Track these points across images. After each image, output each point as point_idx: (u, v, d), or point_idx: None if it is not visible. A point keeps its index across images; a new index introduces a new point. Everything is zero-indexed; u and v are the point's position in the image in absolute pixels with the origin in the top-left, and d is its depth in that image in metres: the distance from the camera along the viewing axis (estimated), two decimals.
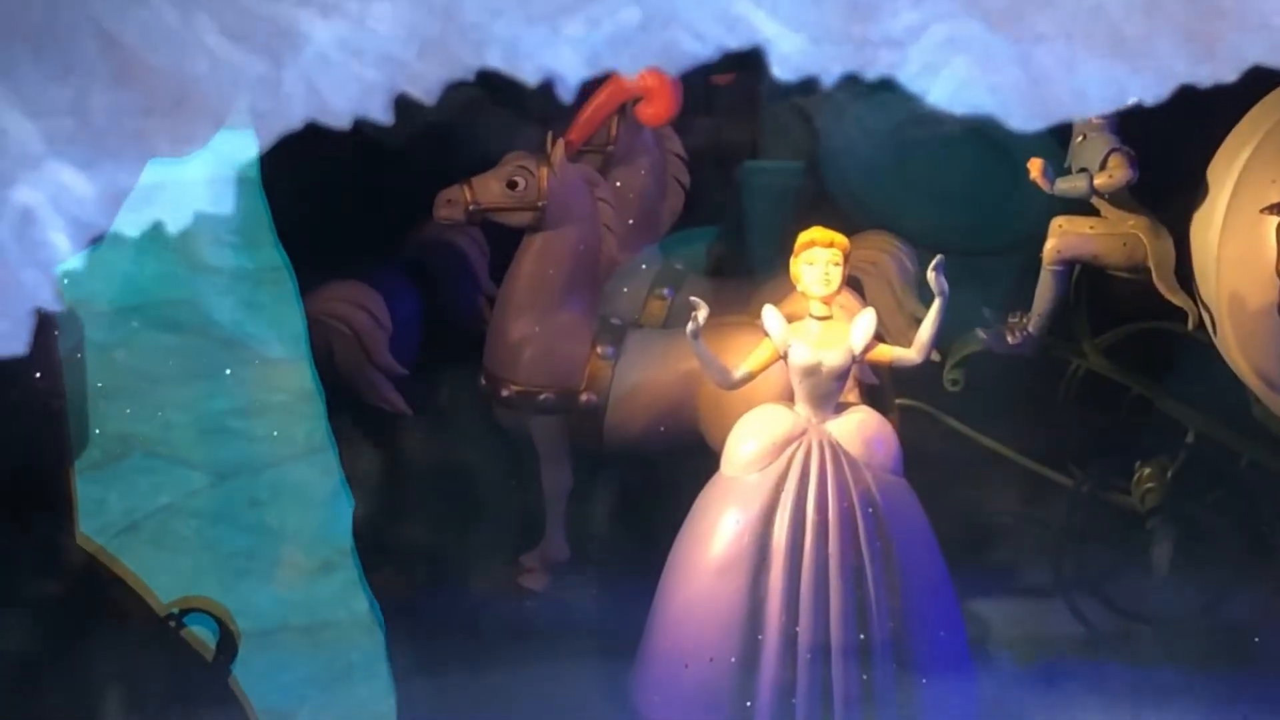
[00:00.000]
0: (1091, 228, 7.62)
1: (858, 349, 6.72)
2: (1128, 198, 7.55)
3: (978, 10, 3.18)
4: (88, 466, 6.13)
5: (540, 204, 7.63)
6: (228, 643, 5.93)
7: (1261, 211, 7.02)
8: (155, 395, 6.14)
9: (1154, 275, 7.55)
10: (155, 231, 5.51)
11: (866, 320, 6.77)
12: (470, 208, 7.63)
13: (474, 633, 7.64)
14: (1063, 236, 7.62)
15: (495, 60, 3.30)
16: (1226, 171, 7.32)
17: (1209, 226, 7.36)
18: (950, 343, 7.89)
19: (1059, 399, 8.17)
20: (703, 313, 6.64)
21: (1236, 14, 3.20)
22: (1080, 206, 7.64)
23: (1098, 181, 7.45)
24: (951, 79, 3.26)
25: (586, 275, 7.80)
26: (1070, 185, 7.49)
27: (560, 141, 7.61)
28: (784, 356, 6.73)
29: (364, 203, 8.04)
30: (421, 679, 7.17)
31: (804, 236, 6.76)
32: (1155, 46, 3.17)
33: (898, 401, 7.89)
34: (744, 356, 6.80)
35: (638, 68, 3.16)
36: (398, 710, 6.36)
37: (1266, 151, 7.20)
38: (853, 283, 7.66)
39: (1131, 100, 3.32)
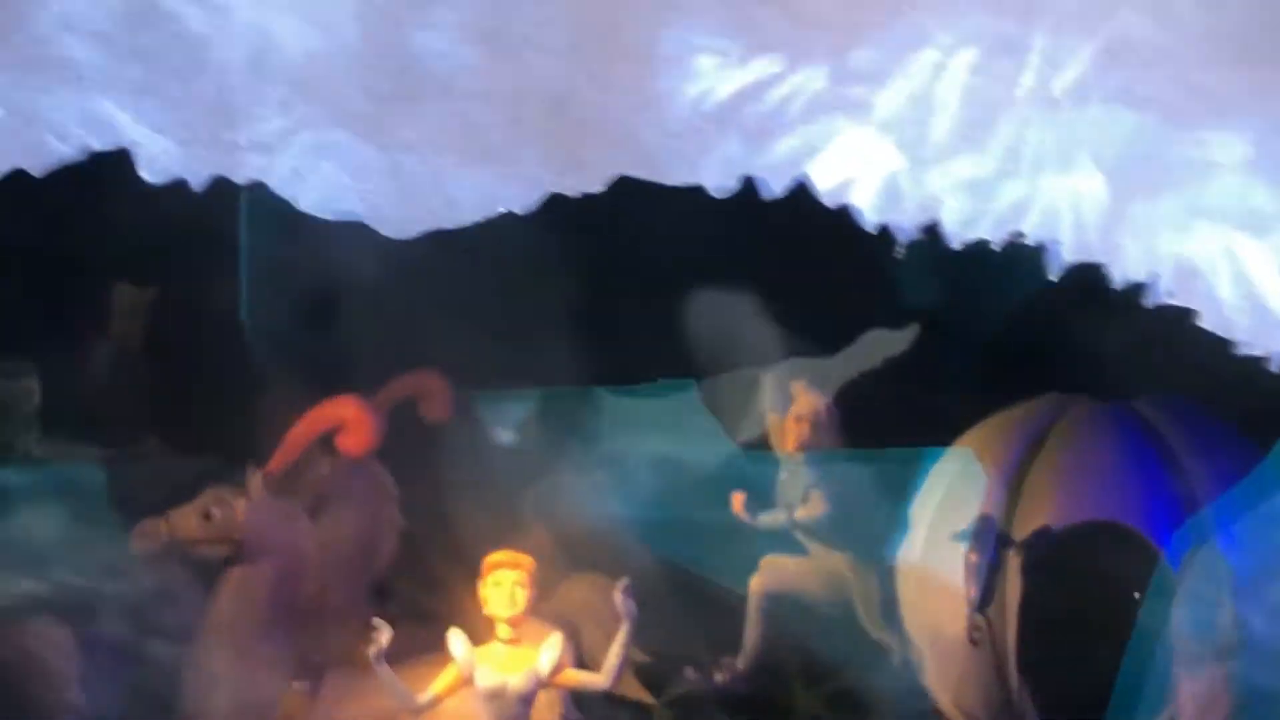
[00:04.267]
0: (798, 565, 7.68)
1: (544, 672, 6.63)
2: (833, 536, 7.63)
3: (344, 118, 3.26)
4: None
5: (237, 536, 7.53)
6: None
7: (949, 539, 7.10)
8: None
9: (859, 611, 7.59)
10: None
11: (553, 645, 6.70)
12: (166, 539, 7.52)
13: None
14: (768, 572, 7.68)
15: None
16: (926, 505, 7.45)
17: (911, 561, 7.45)
18: (664, 681, 7.89)
19: None
20: (385, 635, 6.55)
21: (599, 127, 3.32)
22: (789, 545, 7.70)
23: (798, 515, 7.56)
24: (320, 185, 3.32)
25: (285, 609, 7.65)
26: (772, 519, 7.60)
27: (259, 473, 7.56)
28: (470, 680, 6.62)
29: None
30: None
31: (490, 558, 6.74)
32: (521, 156, 3.25)
33: None
34: None
35: (4, 167, 3.21)
36: None
37: (961, 485, 7.35)
38: (568, 626, 7.61)
39: (501, 209, 3.40)
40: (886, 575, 7.56)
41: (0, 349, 8.33)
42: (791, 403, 7.65)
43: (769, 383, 7.72)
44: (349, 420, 7.86)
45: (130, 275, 8.31)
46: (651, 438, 8.38)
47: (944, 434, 7.67)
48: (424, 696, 6.67)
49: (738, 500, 7.54)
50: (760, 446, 7.96)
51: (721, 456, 8.33)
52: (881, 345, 7.73)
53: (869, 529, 7.66)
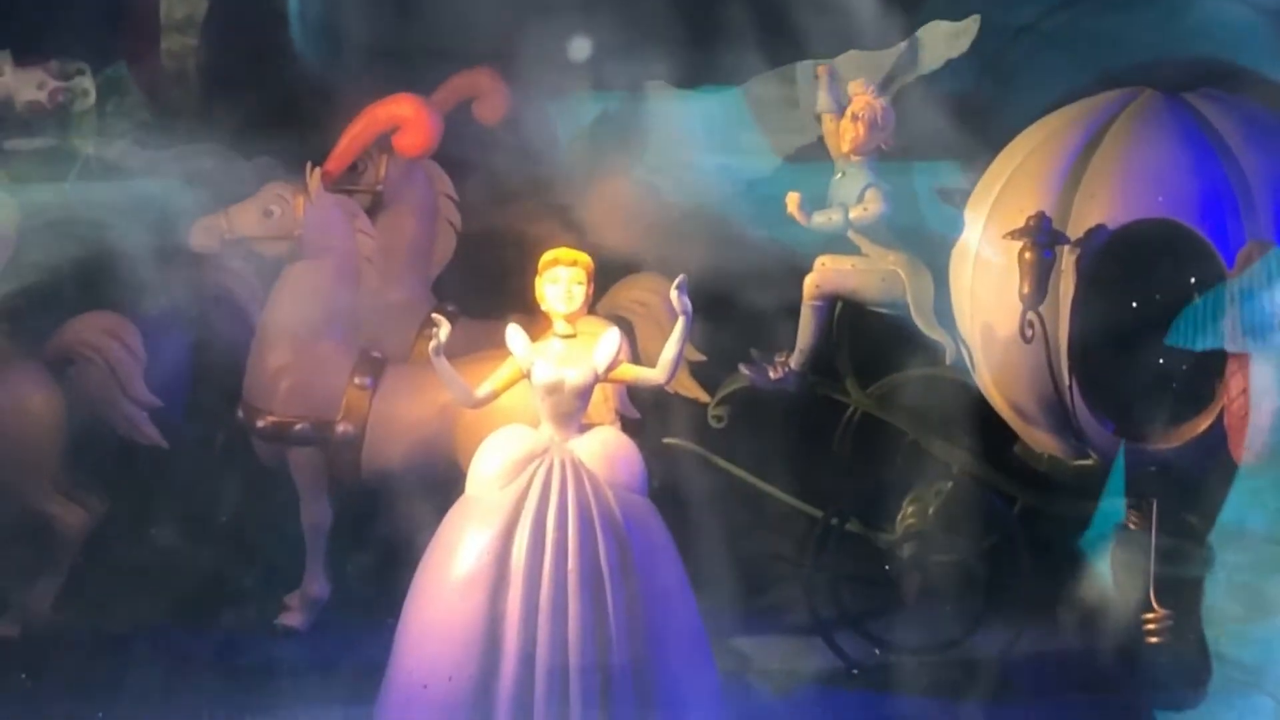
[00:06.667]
0: (852, 265, 7.66)
1: (601, 367, 6.70)
2: (888, 235, 7.59)
3: None
4: None
5: (296, 233, 7.60)
6: None
7: (1004, 237, 7.09)
8: None
9: (912, 311, 7.59)
10: None
11: (611, 339, 6.75)
12: (227, 236, 7.59)
13: (230, 673, 7.51)
14: (822, 272, 7.67)
15: None
16: (981, 206, 7.43)
17: (965, 260, 7.45)
18: (717, 380, 7.98)
19: (834, 441, 8.19)
20: (444, 329, 6.61)
21: None
22: (844, 245, 7.68)
23: (853, 214, 7.50)
24: None
25: (345, 306, 7.74)
26: (826, 219, 7.53)
27: (317, 170, 7.59)
28: (528, 375, 6.70)
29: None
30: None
31: (548, 255, 6.76)
32: None
33: (665, 441, 7.88)
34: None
35: None
36: None
37: (1017, 182, 7.32)
38: (623, 325, 7.69)
39: None
40: (941, 274, 7.56)
41: (54, 50, 8.32)
42: (848, 103, 7.57)
43: (825, 82, 7.65)
44: (407, 119, 7.87)
45: None
46: (706, 140, 8.35)
47: (1002, 132, 7.63)
48: (481, 390, 6.74)
49: (792, 200, 7.48)
50: (815, 150, 7.93)
51: (776, 159, 8.31)
52: (942, 40, 7.61)
53: (924, 228, 7.64)
